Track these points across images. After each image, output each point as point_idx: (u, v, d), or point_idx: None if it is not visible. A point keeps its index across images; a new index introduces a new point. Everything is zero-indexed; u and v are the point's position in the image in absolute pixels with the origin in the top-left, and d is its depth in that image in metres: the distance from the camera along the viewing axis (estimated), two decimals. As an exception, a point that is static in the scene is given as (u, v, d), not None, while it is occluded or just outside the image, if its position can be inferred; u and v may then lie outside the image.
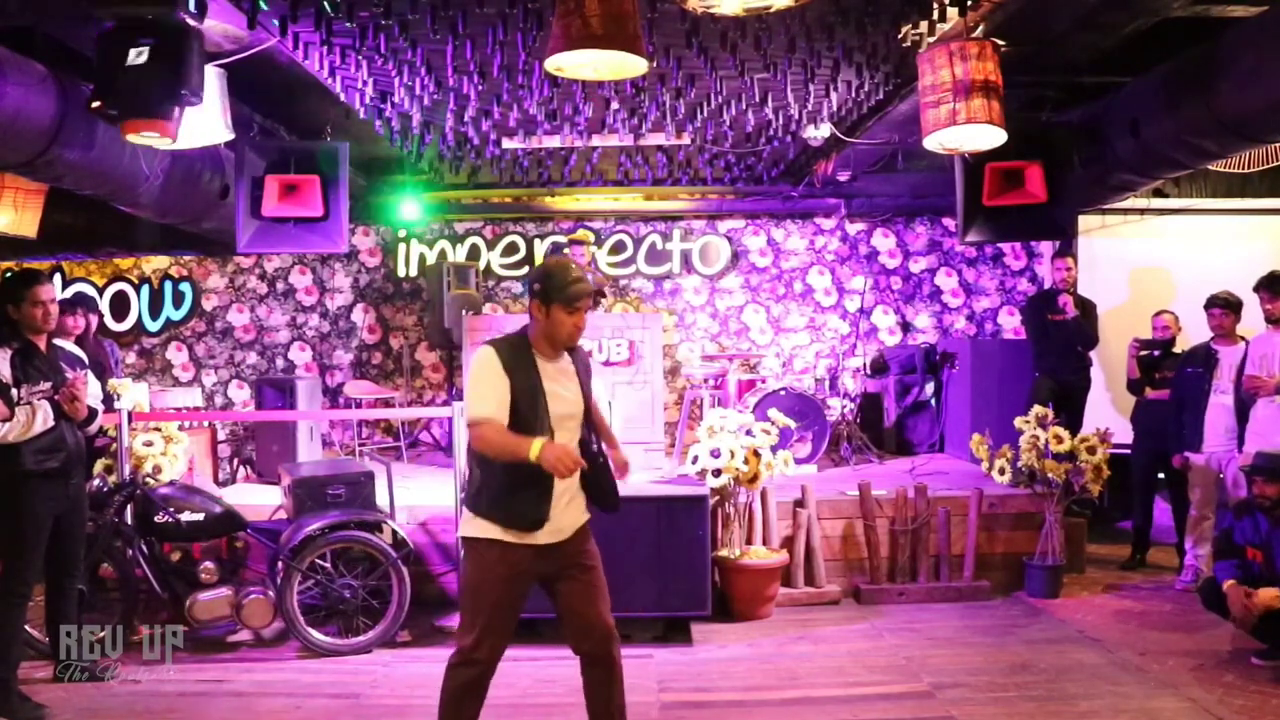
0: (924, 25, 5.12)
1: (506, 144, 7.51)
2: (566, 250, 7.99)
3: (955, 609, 5.46)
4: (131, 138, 4.61)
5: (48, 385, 4.02)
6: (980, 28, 4.90)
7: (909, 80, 5.69)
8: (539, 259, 9.43)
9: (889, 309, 9.62)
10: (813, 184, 8.91)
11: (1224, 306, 5.66)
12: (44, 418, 3.96)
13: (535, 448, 2.86)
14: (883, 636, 4.98)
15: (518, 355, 3.03)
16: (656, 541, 4.94)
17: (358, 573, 4.87)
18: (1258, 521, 4.52)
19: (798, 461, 6.34)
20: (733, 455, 5.23)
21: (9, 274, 4.36)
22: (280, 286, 9.64)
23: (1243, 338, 5.64)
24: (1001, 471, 5.81)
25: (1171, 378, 6.03)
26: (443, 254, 9.46)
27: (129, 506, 4.74)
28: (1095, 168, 6.38)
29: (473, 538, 3.04)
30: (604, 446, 3.23)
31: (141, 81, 4.30)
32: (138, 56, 4.25)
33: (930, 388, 8.54)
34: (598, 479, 3.16)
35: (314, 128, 6.75)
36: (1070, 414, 6.23)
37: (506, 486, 2.99)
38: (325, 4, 4.74)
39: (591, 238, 8.34)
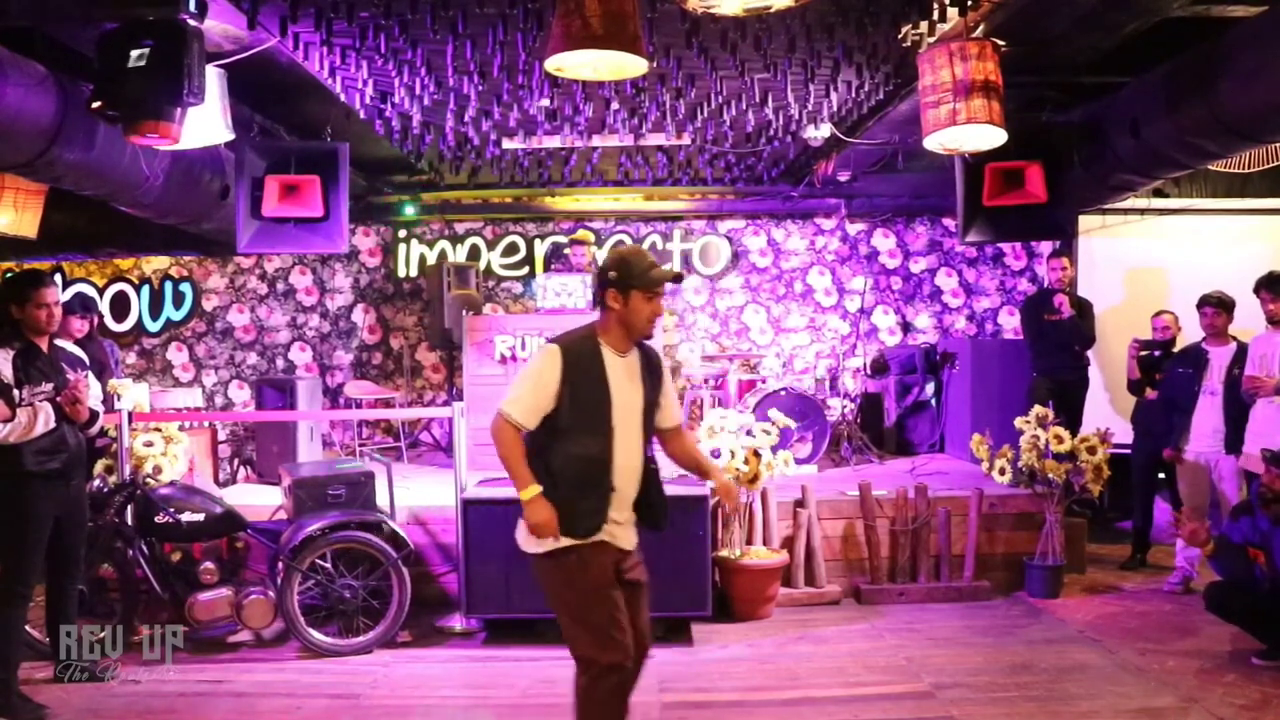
0: (924, 25, 5.11)
1: (506, 144, 7.51)
2: (567, 251, 7.99)
3: (955, 609, 5.46)
4: (135, 140, 4.61)
5: (49, 386, 4.02)
6: (980, 28, 4.91)
7: (909, 80, 5.69)
8: (539, 259, 9.47)
9: (889, 309, 9.62)
10: (813, 184, 8.91)
11: (1216, 306, 5.63)
12: (45, 419, 3.96)
13: (530, 492, 2.87)
14: (883, 636, 4.98)
15: (584, 357, 2.94)
16: (657, 541, 4.89)
17: (358, 573, 4.87)
18: (1256, 521, 4.52)
19: (798, 461, 6.34)
20: (733, 455, 5.23)
21: (10, 274, 4.36)
22: (280, 287, 9.64)
23: (1234, 338, 5.64)
24: (1002, 471, 5.81)
25: (1162, 377, 6.04)
26: (443, 254, 9.47)
27: (129, 507, 4.74)
28: (1095, 168, 6.38)
29: (560, 549, 2.92)
30: (701, 472, 3.28)
31: (143, 83, 4.31)
32: (139, 59, 4.25)
33: (930, 388, 8.53)
34: (648, 496, 3.10)
35: (314, 128, 6.74)
36: (1069, 414, 6.22)
37: (568, 498, 2.92)
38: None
39: (592, 238, 8.34)
